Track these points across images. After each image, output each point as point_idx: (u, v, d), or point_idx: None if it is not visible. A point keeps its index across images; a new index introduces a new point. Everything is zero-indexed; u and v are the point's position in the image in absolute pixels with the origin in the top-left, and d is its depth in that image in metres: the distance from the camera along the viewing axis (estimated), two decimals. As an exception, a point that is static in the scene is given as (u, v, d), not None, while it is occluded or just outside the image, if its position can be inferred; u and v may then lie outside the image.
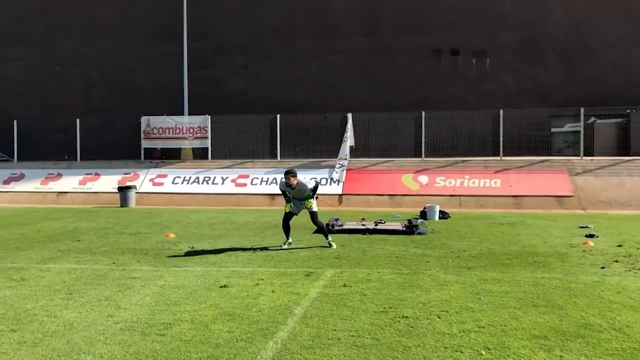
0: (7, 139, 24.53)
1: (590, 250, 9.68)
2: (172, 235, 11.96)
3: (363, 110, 22.62)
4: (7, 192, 21.87)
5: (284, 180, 9.94)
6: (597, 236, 11.32)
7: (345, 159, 20.60)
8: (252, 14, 26.90)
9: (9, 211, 17.88)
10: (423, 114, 21.35)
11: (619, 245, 10.20)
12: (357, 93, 25.38)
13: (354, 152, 21.78)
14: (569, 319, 5.56)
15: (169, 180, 21.45)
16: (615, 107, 22.90)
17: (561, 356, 4.56)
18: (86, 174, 22.24)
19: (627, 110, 22.60)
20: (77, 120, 23.56)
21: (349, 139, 21.14)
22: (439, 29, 25.65)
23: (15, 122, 23.86)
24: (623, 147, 21.85)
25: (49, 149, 25.15)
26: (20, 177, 22.63)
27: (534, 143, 22.06)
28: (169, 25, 26.25)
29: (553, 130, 24.85)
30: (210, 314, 5.88)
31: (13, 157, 24.38)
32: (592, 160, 20.33)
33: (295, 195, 10.08)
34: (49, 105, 28.02)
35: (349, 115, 21.47)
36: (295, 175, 9.84)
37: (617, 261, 8.66)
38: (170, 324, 5.54)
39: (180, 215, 16.49)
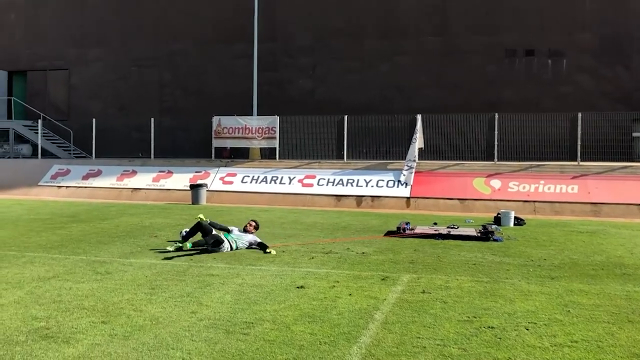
0: (87, 136, 25.70)
1: (685, 264, 9.07)
2: (244, 233, 12.10)
3: (431, 112, 22.23)
4: (86, 187, 22.90)
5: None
6: (690, 249, 10.61)
7: (414, 160, 20.28)
8: (320, 15, 27.00)
9: (89, 206, 18.69)
10: (496, 115, 20.73)
11: None
12: (426, 94, 25.00)
13: (422, 154, 21.43)
14: (672, 338, 5.20)
15: (239, 179, 21.83)
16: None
17: (669, 378, 4.26)
18: (159, 172, 22.97)
19: None
20: (152, 120, 24.37)
21: (418, 141, 20.81)
22: (513, 29, 24.88)
23: (94, 120, 24.95)
24: None
25: (124, 146, 26.16)
26: (97, 173, 23.63)
27: (614, 148, 20.93)
28: (239, 27, 26.73)
29: (635, 134, 23.58)
30: (290, 314, 5.88)
31: (91, 154, 25.49)
32: (679, 167, 19.13)
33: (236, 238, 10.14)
34: (125, 105, 29.18)
35: (419, 117, 21.14)
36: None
37: None
38: (252, 323, 5.58)
39: (250, 213, 16.67)
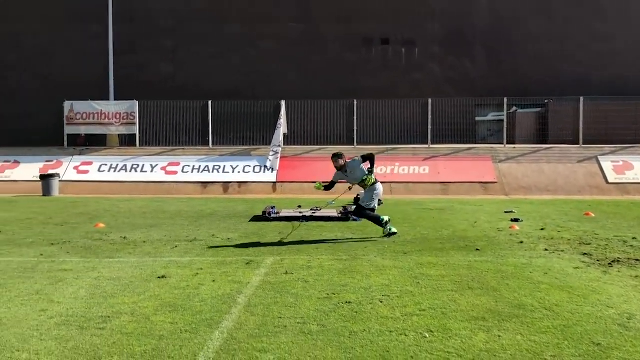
0: None
1: (517, 234, 10.18)
2: (101, 225, 11.52)
3: (294, 98, 22.60)
4: None
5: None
6: (522, 220, 11.91)
7: (279, 146, 20.54)
8: (181, -4, 26.20)
9: None
10: (355, 102, 21.59)
11: (542, 229, 10.78)
12: (289, 80, 25.32)
13: (287, 140, 21.76)
14: (504, 300, 5.83)
15: (95, 168, 20.63)
16: (534, 97, 24.09)
17: (499, 336, 4.78)
18: (4, 162, 21.00)
19: (546, 101, 23.85)
20: (-7, 105, 22.16)
21: (283, 126, 21.08)
22: (370, 18, 25.98)
23: None
24: (541, 136, 23.05)
25: (-40, 135, 23.51)
26: None
27: (460, 131, 22.85)
28: (93, 5, 25.06)
29: (477, 119, 25.86)
30: (150, 305, 5.73)
31: None
32: (514, 148, 21.33)
33: (354, 181, 9.65)
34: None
35: (283, 102, 21.41)
36: (341, 157, 9.46)
37: (541, 244, 9.16)
38: (108, 317, 5.35)
39: (109, 204, 15.91)
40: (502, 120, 22.15)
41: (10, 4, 26.10)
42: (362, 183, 9.67)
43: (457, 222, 11.90)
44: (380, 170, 19.79)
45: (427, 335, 4.80)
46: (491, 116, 25.42)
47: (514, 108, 24.07)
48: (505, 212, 13.46)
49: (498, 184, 19.24)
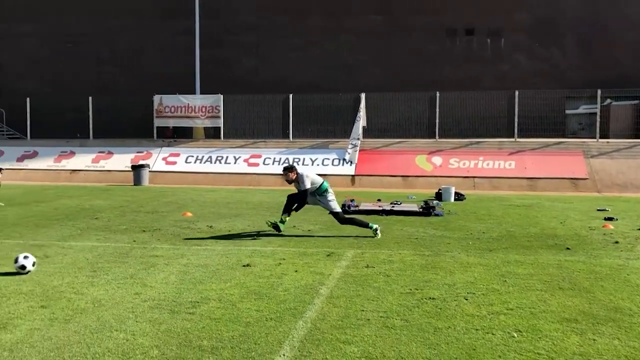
0: (20, 116, 24.54)
1: (611, 234, 9.61)
2: (189, 214, 11.98)
3: (375, 91, 22.46)
4: (22, 169, 21.98)
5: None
6: (617, 219, 11.23)
7: (358, 139, 20.50)
8: (263, -9, 26.67)
9: (24, 189, 17.97)
10: (438, 94, 21.15)
11: (640, 229, 10.13)
12: (370, 73, 25.19)
13: (366, 133, 21.67)
14: (598, 303, 5.53)
15: (182, 159, 21.48)
16: (631, 88, 22.60)
17: (594, 339, 4.54)
18: (99, 152, 22.30)
19: (644, 92, 22.31)
20: (90, 99, 23.54)
21: (362, 119, 21.01)
22: (453, 8, 25.33)
23: (27, 99, 23.86)
24: (638, 130, 21.61)
25: (61, 127, 25.14)
26: (33, 155, 22.72)
27: (549, 125, 21.86)
28: (180, 2, 26.04)
29: (567, 112, 24.64)
30: (236, 292, 5.89)
31: (26, 135, 24.43)
32: (608, 142, 20.14)
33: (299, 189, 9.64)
34: (61, 83, 27.99)
35: (362, 95, 21.32)
36: (291, 170, 9.40)
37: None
38: (197, 302, 5.56)
39: (195, 194, 16.52)
40: (595, 114, 20.95)
41: (103, 3, 27.59)
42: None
43: (545, 219, 11.40)
44: (463, 164, 19.33)
45: (516, 335, 4.63)
46: (582, 109, 24.13)
47: (608, 100, 22.70)
48: (598, 210, 12.75)
49: (589, 180, 18.26)
